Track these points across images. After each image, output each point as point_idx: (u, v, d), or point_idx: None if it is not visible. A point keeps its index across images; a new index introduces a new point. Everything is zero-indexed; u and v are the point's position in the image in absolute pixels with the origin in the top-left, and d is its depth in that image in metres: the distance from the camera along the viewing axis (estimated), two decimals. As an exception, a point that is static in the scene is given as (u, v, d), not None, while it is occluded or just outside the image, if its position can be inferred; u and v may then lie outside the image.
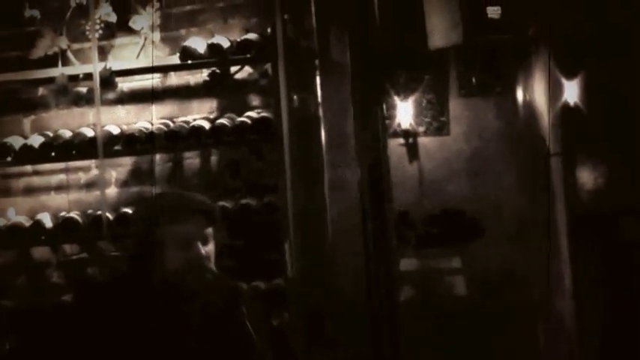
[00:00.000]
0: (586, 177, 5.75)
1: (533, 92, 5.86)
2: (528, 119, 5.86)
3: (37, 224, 5.94)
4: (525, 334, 5.73)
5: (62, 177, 6.20)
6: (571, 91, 5.74)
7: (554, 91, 5.79)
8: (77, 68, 5.96)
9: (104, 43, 6.06)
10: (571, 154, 5.78)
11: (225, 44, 5.77)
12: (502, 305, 5.76)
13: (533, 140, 5.82)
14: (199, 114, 5.99)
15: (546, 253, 5.72)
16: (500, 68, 5.99)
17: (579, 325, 5.65)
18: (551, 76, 5.73)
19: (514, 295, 5.77)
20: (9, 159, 5.96)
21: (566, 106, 5.73)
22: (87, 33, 6.02)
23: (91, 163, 6.10)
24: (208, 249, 3.49)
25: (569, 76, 5.74)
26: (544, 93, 5.83)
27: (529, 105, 5.87)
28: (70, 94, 6.01)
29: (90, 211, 5.95)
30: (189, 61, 5.79)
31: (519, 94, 5.91)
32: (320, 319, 5.60)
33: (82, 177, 6.17)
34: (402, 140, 5.94)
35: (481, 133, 5.93)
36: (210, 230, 3.50)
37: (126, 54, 6.07)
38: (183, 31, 6.05)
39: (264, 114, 5.80)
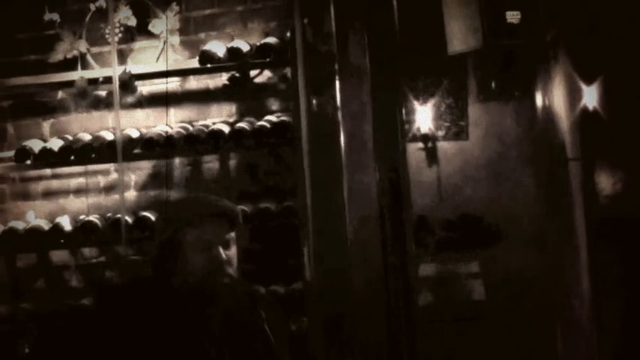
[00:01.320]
0: (605, 182, 5.73)
1: (552, 97, 5.84)
2: (547, 124, 5.83)
3: (56, 227, 6.00)
4: (544, 339, 5.69)
5: (81, 180, 6.24)
6: (590, 96, 5.72)
7: (573, 95, 5.77)
8: (96, 72, 5.99)
9: (124, 46, 6.08)
10: (590, 158, 5.75)
11: (245, 48, 5.78)
12: (521, 310, 5.72)
13: (552, 145, 5.79)
14: (218, 118, 6.03)
15: (565, 258, 5.72)
16: (519, 73, 5.96)
17: (598, 331, 5.62)
18: (570, 81, 5.72)
19: (533, 300, 5.73)
20: (28, 162, 6.01)
21: (585, 110, 5.70)
22: (106, 36, 6.05)
23: (110, 166, 6.15)
24: (229, 253, 3.50)
25: (589, 80, 5.72)
26: (563, 97, 5.81)
27: (548, 109, 5.84)
28: (90, 98, 6.05)
29: (109, 215, 5.99)
30: (209, 65, 5.82)
31: (538, 99, 5.89)
32: (338, 324, 5.60)
33: (101, 180, 6.21)
34: (420, 144, 5.92)
35: (500, 137, 5.91)
36: (230, 234, 3.52)
37: (145, 58, 6.10)
38: (202, 35, 6.07)
39: (283, 118, 5.82)
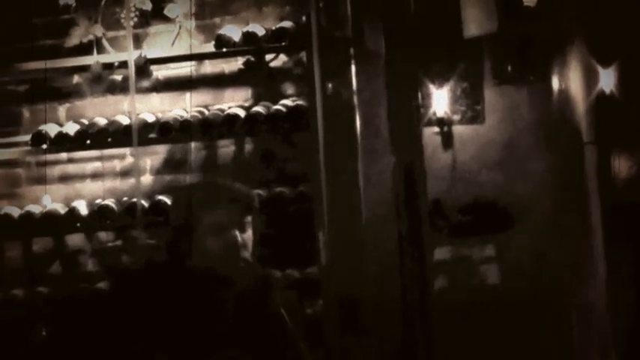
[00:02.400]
0: (621, 166, 5.73)
1: (568, 80, 5.84)
2: (563, 108, 5.83)
3: (72, 212, 6.03)
4: (559, 323, 5.69)
5: (97, 165, 6.26)
6: (606, 79, 5.72)
7: (589, 79, 5.77)
8: (112, 56, 6.01)
9: (139, 31, 6.09)
10: (606, 142, 5.75)
11: (260, 32, 5.79)
12: (535, 294, 5.72)
13: (568, 129, 5.80)
14: (234, 102, 6.03)
15: (580, 242, 5.72)
16: (535, 57, 5.95)
17: (613, 315, 5.63)
18: (587, 64, 5.72)
19: (548, 285, 5.73)
20: (44, 146, 6.03)
21: (601, 94, 5.71)
22: (122, 21, 6.05)
23: (126, 150, 6.15)
24: (244, 237, 3.54)
25: (605, 64, 5.72)
26: (579, 81, 5.81)
27: (564, 93, 5.84)
28: (105, 82, 6.07)
29: (125, 199, 6.01)
30: (224, 50, 5.83)
31: (554, 83, 5.88)
32: (353, 308, 5.62)
33: (117, 165, 6.23)
34: (436, 129, 5.90)
35: (516, 121, 5.90)
36: (246, 218, 3.55)
37: (161, 42, 6.10)
38: (217, 20, 6.08)
39: (298, 102, 5.83)
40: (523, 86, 5.92)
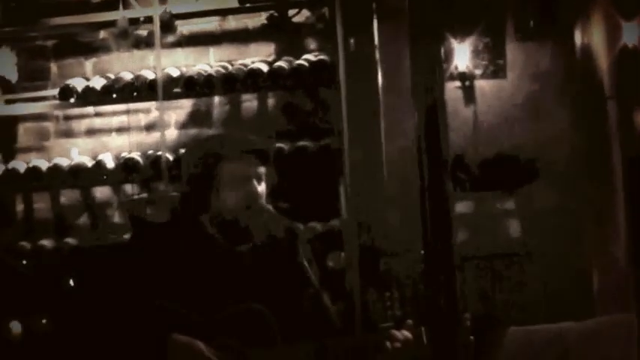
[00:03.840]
0: (642, 120, 5.74)
1: (591, 35, 5.82)
2: (585, 62, 5.82)
3: (99, 164, 6.06)
4: (579, 276, 5.72)
5: (123, 119, 6.30)
6: (629, 33, 5.69)
7: (612, 33, 5.75)
8: (138, 11, 6.00)
9: (164, -14, 6.12)
10: (628, 97, 5.74)
11: (284, -12, 5.81)
12: (556, 247, 5.75)
13: (590, 83, 5.79)
14: (257, 57, 6.04)
15: (602, 196, 5.74)
16: (558, 11, 5.94)
17: (634, 267, 5.64)
18: (609, 18, 5.70)
19: (568, 238, 5.76)
20: (72, 101, 6.06)
21: (624, 48, 5.69)
22: (147, -23, 6.08)
23: (151, 105, 6.18)
24: (266, 190, 3.57)
25: (628, 16, 5.69)
26: (601, 35, 5.78)
27: (586, 48, 5.83)
28: (131, 38, 6.08)
29: (150, 152, 6.05)
30: (248, 5, 5.83)
31: (577, 38, 5.86)
32: (375, 260, 5.67)
33: (143, 119, 6.27)
34: (458, 83, 5.92)
35: (537, 76, 5.89)
36: (265, 171, 3.57)
37: (186, -3, 6.14)
38: (241, -25, 6.09)
39: (321, 57, 5.85)
40: (545, 41, 5.92)
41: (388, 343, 3.35)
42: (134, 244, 3.86)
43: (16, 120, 6.41)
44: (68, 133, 6.38)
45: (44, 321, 5.99)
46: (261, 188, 3.55)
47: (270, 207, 3.57)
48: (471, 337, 3.40)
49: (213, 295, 3.45)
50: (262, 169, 3.56)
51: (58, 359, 5.80)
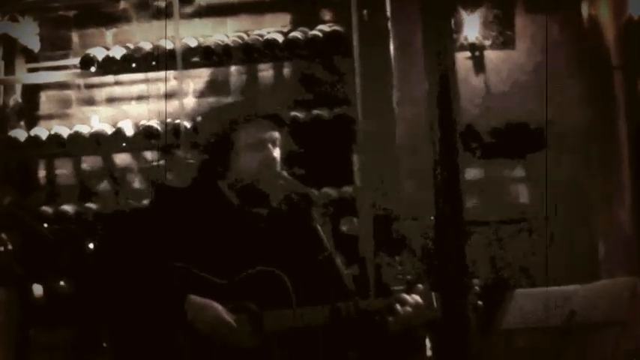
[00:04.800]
0: (649, 90, 5.76)
1: (598, 6, 5.83)
2: (592, 33, 5.84)
3: (119, 132, 6.12)
4: (585, 242, 5.77)
5: (142, 87, 6.37)
6: (635, 5, 5.71)
7: (618, 5, 5.78)
8: (158, -17, 6.08)
9: (184, -43, 6.15)
10: (634, 66, 5.78)
11: (299, -40, 5.86)
12: (564, 213, 5.80)
13: (597, 54, 5.82)
14: (273, 27, 6.09)
15: (608, 164, 5.80)
16: (566, -18, 5.96)
17: (639, 233, 5.71)
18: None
19: (576, 204, 5.79)
20: (93, 69, 6.12)
21: (630, 19, 5.72)
22: (167, -52, 6.11)
23: (170, 74, 6.16)
24: (282, 156, 3.56)
25: (635, -12, 5.72)
26: (608, 7, 5.81)
27: (593, 19, 5.84)
28: (150, 8, 6.17)
29: (169, 120, 6.08)
30: (265, -23, 5.92)
31: (584, 9, 5.86)
32: (388, 225, 5.75)
33: (162, 87, 6.27)
34: (468, 54, 5.97)
35: (546, 46, 5.94)
36: (281, 137, 3.57)
37: (204, -31, 6.17)
38: (259, -53, 6.16)
39: (335, 28, 5.90)
40: (553, 12, 5.93)
41: (399, 307, 3.38)
42: (154, 208, 3.89)
43: (38, 88, 6.48)
44: (89, 101, 6.44)
45: (62, 283, 6.10)
46: (277, 154, 3.55)
47: (285, 173, 3.57)
48: (480, 302, 3.50)
49: (230, 258, 3.45)
50: (278, 136, 3.56)
51: (79, 321, 5.94)
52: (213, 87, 6.28)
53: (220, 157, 3.55)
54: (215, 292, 3.42)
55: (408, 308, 3.39)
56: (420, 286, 3.44)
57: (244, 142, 3.52)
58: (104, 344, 3.49)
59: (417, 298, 3.42)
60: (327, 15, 6.07)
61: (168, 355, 3.43)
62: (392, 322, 3.41)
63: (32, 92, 6.49)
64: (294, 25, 6.08)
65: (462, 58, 5.91)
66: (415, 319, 3.41)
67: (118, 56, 6.11)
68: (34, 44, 6.32)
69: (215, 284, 3.43)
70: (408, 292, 3.43)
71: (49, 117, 6.47)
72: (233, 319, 3.39)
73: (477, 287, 3.53)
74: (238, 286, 3.43)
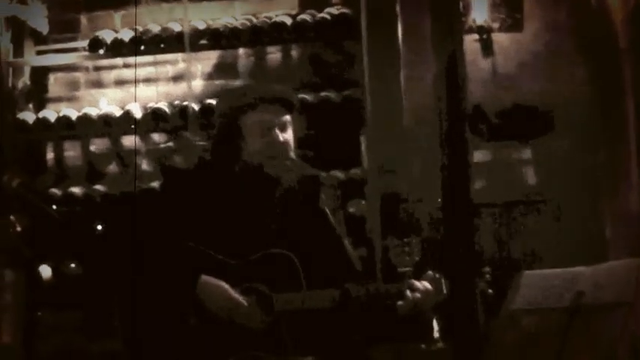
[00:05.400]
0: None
1: (607, -11, 5.85)
2: (601, 16, 5.84)
3: (127, 114, 6.13)
4: (593, 223, 5.76)
5: (151, 69, 6.36)
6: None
7: (627, -14, 5.79)
8: (166, -35, 6.07)
9: (191, -61, 6.15)
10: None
11: (306, -59, 5.87)
12: (571, 195, 5.80)
13: (605, 36, 5.81)
14: (281, 10, 6.10)
15: (615, 146, 5.80)
16: (574, -35, 5.95)
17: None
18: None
19: (583, 186, 5.78)
20: (101, 52, 6.14)
21: (638, 2, 5.70)
22: None
23: (178, 56, 6.23)
24: (290, 138, 3.60)
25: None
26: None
27: (602, 1, 5.84)
28: (160, -9, 6.17)
29: (177, 102, 6.10)
30: (272, -41, 5.92)
31: (593, -9, 5.88)
32: (395, 207, 5.76)
33: (170, 70, 6.33)
34: (476, 36, 5.97)
35: (554, 29, 5.92)
36: (292, 120, 3.61)
37: (212, -50, 6.16)
38: None
39: (343, 10, 5.91)
40: None
41: (409, 292, 3.41)
42: (166, 189, 3.90)
43: (47, 70, 6.49)
44: (97, 84, 6.45)
45: (73, 265, 6.13)
46: (286, 136, 3.59)
47: (293, 154, 3.61)
48: (490, 290, 3.52)
49: (239, 239, 3.49)
50: (287, 118, 3.60)
51: (87, 302, 5.96)
52: (222, 69, 6.27)
53: (231, 139, 3.58)
54: (225, 273, 3.46)
55: (418, 294, 3.42)
56: (430, 272, 3.47)
57: (255, 125, 3.55)
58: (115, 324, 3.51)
59: (427, 284, 3.45)
60: (334, -3, 6.07)
61: (179, 336, 3.46)
62: (401, 306, 3.44)
63: (41, 75, 6.49)
64: (302, 8, 6.09)
65: (470, 41, 5.90)
66: (424, 305, 3.44)
67: (126, 39, 6.12)
68: (43, 27, 6.29)
69: (226, 265, 3.46)
70: (416, 273, 3.46)
71: (58, 99, 6.48)
72: (243, 300, 3.43)
73: (487, 275, 3.56)
74: (249, 268, 3.46)
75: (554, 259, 5.62)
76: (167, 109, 6.10)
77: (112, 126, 6.17)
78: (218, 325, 3.44)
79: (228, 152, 3.59)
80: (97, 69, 6.45)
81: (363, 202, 5.76)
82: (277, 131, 3.56)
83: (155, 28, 6.12)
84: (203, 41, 6.04)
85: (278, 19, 5.94)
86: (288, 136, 3.60)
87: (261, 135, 3.55)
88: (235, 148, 3.58)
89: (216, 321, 3.43)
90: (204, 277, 3.44)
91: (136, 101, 6.24)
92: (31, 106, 6.40)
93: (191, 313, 3.44)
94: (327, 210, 3.58)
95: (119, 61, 6.37)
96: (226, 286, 3.44)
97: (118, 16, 6.39)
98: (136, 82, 6.41)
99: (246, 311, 3.43)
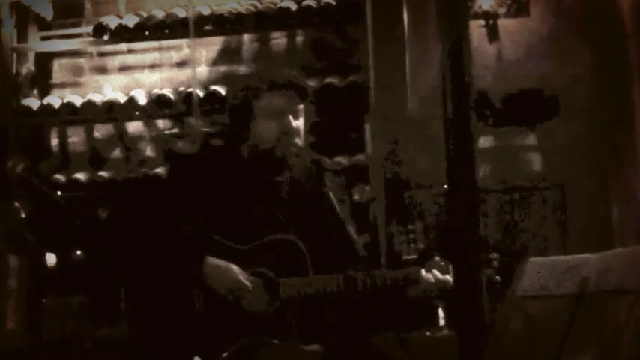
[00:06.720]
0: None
1: (613, -27, 5.83)
2: (607, 1, 5.83)
3: (132, 100, 6.13)
4: (599, 209, 5.76)
5: (155, 55, 6.36)
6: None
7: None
8: (171, -50, 6.05)
9: None
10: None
11: None
12: (576, 180, 5.80)
13: (611, 22, 5.80)
14: None
15: (621, 133, 5.79)
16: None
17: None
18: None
19: (588, 171, 5.78)
20: (105, 38, 6.14)
21: None
22: None
23: (183, 42, 6.24)
24: (296, 123, 3.63)
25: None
26: (623, -27, 5.80)
27: None
28: (164, -24, 6.16)
29: (181, 88, 6.11)
30: (278, -57, 5.89)
31: (598, -25, 5.87)
32: (399, 193, 5.76)
33: (174, 56, 6.33)
34: (482, 22, 5.95)
35: (560, 14, 5.90)
36: (298, 106, 3.65)
37: None
38: None
39: None
40: None
41: (424, 272, 3.48)
42: (173, 174, 3.91)
43: (51, 56, 6.49)
44: (102, 70, 6.45)
45: (79, 252, 6.13)
46: (294, 124, 3.62)
47: (299, 140, 3.64)
48: (498, 277, 3.52)
49: (244, 224, 3.54)
50: (294, 104, 3.64)
51: (93, 287, 5.97)
52: (226, 55, 6.26)
53: (239, 124, 3.62)
54: (233, 257, 3.50)
55: (424, 284, 3.47)
56: (437, 258, 3.52)
57: (262, 110, 3.59)
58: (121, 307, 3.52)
59: (436, 272, 3.48)
60: (339, -18, 6.04)
61: (185, 321, 3.47)
62: (412, 289, 3.46)
63: (45, 60, 6.49)
64: (307, -7, 6.05)
65: (476, 26, 5.88)
66: (431, 291, 3.45)
67: (130, 24, 6.11)
68: (47, 12, 6.29)
69: (233, 249, 3.50)
70: (421, 260, 3.49)
71: (62, 85, 6.48)
72: (249, 282, 3.46)
73: (495, 262, 3.56)
74: (256, 252, 3.51)
75: (559, 245, 5.65)
76: (171, 95, 6.09)
77: (116, 112, 6.16)
78: (224, 310, 3.44)
79: (237, 136, 3.62)
80: (102, 55, 6.45)
81: (367, 188, 5.74)
82: (287, 118, 3.59)
83: (159, 14, 6.11)
84: (207, 27, 6.04)
85: (283, 4, 5.93)
86: (297, 123, 3.63)
87: (270, 121, 3.58)
88: (244, 133, 3.61)
89: (223, 306, 3.44)
90: (211, 259, 3.46)
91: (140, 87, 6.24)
92: (35, 91, 6.39)
93: (197, 299, 3.44)
94: (331, 195, 3.61)
95: (123, 46, 6.36)
96: (235, 267, 3.46)
97: (122, 2, 6.35)
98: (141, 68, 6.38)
99: (252, 294, 3.43)
